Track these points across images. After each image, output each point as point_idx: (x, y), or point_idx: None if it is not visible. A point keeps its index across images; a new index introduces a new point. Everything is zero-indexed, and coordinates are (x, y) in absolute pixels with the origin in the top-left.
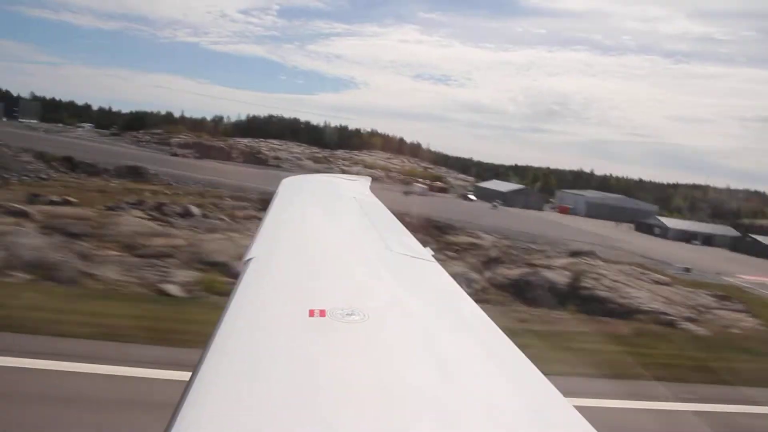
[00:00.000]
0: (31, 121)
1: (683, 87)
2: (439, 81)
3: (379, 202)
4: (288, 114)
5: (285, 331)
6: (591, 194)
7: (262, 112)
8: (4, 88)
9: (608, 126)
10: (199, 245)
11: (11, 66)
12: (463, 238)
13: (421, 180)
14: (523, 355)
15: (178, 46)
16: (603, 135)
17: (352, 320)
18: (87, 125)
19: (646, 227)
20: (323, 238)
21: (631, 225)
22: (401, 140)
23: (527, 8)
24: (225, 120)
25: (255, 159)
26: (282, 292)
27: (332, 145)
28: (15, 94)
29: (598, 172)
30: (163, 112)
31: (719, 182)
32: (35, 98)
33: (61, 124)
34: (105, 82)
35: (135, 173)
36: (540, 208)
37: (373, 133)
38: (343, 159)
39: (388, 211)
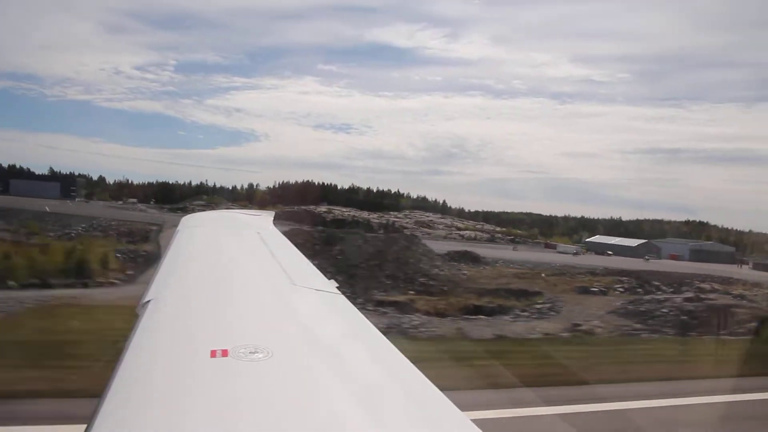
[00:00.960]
0: (81, 199)
1: (570, 125)
2: (340, 130)
3: (283, 236)
4: (187, 169)
5: (185, 375)
6: (692, 243)
7: (160, 169)
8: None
9: (504, 165)
10: None
11: None
12: None
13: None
14: (429, 381)
15: (68, 104)
16: (499, 174)
17: (255, 358)
18: (132, 200)
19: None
20: (225, 275)
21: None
22: (424, 198)
23: (423, 58)
24: (255, 187)
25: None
26: (181, 333)
27: (371, 207)
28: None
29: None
30: (186, 182)
31: (613, 212)
32: (80, 175)
33: (120, 201)
34: None
35: (471, 259)
36: (659, 258)
37: (401, 194)
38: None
39: (292, 245)
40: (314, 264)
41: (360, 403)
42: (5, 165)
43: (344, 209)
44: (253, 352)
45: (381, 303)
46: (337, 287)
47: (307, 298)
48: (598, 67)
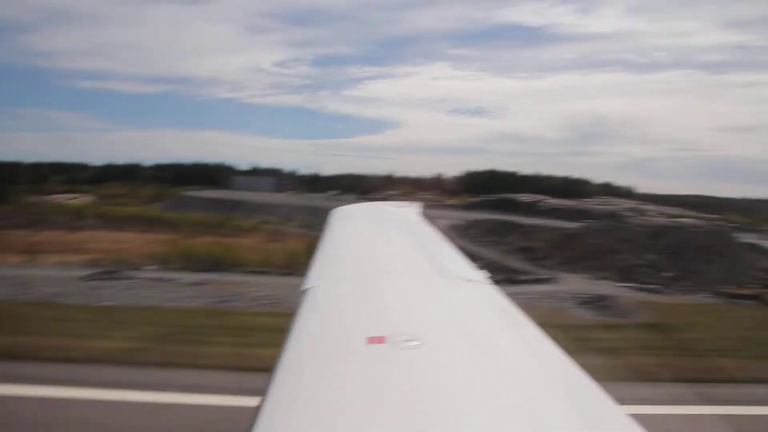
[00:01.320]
0: (291, 192)
1: (723, 97)
2: (475, 114)
3: (431, 227)
4: (331, 158)
5: (344, 359)
6: None
7: (301, 159)
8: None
9: (651, 143)
10: None
11: (68, 135)
12: None
13: None
14: (585, 375)
15: (217, 102)
16: (647, 152)
17: (410, 346)
18: (335, 192)
19: None
20: (377, 265)
21: None
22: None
23: (555, 35)
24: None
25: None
26: (339, 320)
27: (561, 194)
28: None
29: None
30: (375, 174)
31: None
32: (276, 170)
33: (326, 193)
34: (152, 142)
35: (757, 249)
36: None
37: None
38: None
39: (440, 236)
40: (649, 259)
41: (516, 396)
42: (212, 163)
43: (539, 196)
44: (408, 340)
45: (736, 296)
46: (488, 277)
47: (457, 288)
48: (753, 32)
